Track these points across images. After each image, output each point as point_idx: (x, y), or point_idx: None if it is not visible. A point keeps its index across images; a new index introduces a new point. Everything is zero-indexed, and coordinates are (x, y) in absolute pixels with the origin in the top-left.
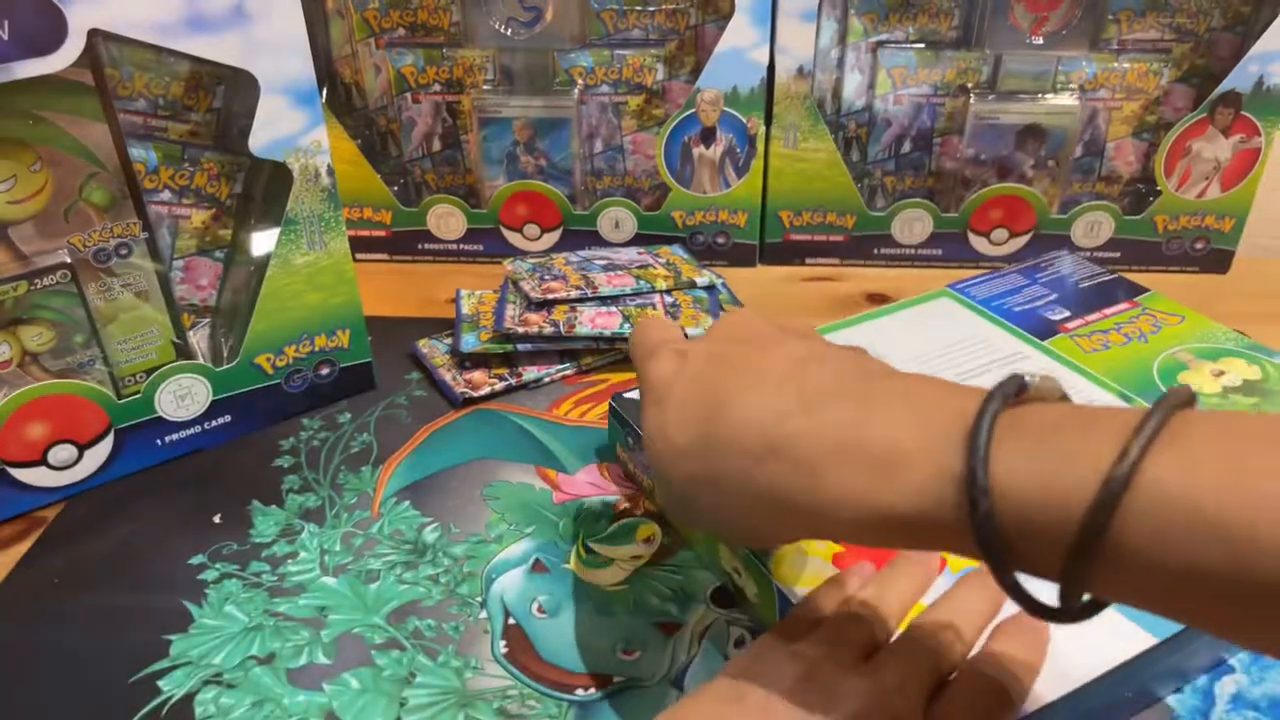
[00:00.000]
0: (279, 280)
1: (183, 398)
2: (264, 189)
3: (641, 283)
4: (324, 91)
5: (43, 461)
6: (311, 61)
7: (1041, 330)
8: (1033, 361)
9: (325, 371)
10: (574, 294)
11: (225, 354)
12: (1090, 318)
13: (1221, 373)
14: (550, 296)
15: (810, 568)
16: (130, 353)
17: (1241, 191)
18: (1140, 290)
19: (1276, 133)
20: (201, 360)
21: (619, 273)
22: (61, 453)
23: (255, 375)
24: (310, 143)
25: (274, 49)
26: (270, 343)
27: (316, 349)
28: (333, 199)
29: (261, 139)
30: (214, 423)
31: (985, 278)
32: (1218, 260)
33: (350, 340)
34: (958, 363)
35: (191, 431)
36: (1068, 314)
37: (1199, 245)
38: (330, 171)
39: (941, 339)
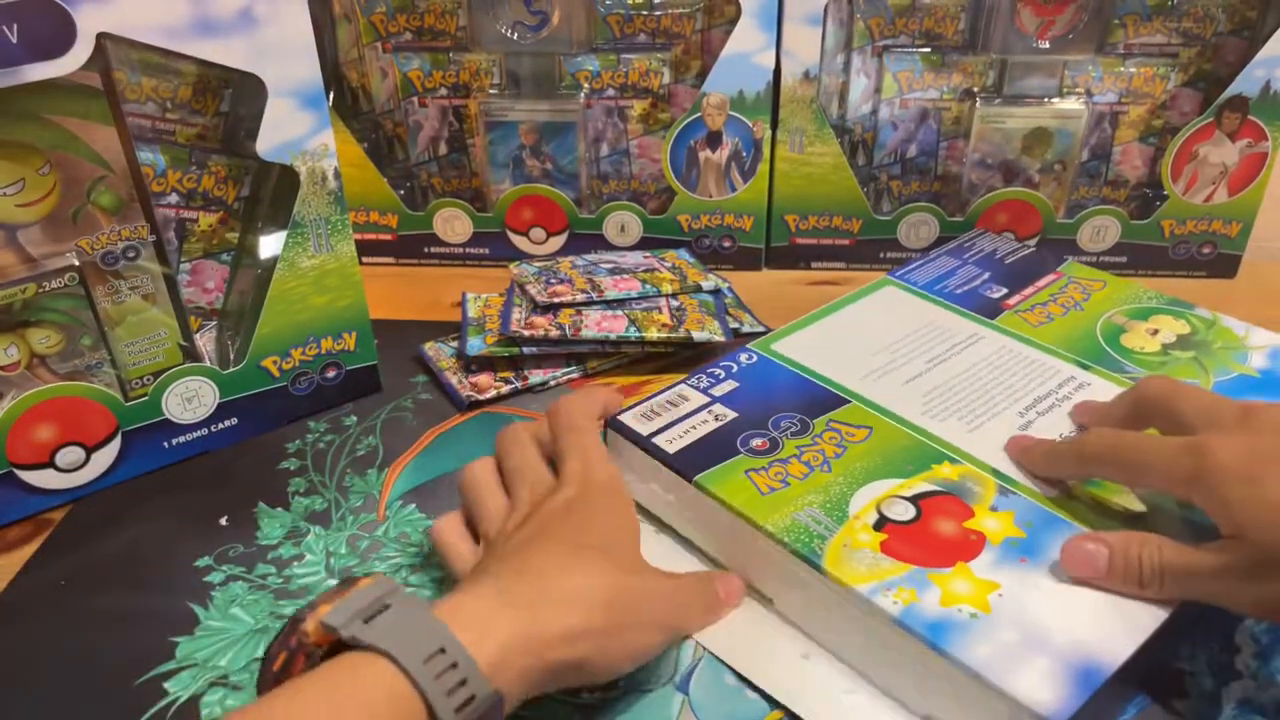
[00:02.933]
0: (286, 283)
1: (189, 400)
2: (271, 192)
3: (647, 286)
4: (331, 95)
5: (50, 464)
6: (319, 65)
7: (987, 309)
8: (988, 343)
9: (331, 374)
10: (580, 297)
11: (232, 357)
12: (1026, 292)
13: (1156, 331)
14: (556, 300)
15: (863, 562)
16: (137, 355)
17: (1248, 196)
18: (1059, 260)
19: None
20: (208, 363)
21: (625, 276)
22: (69, 455)
23: (262, 378)
24: (317, 146)
25: (281, 52)
26: (277, 345)
27: (323, 352)
28: (339, 202)
29: (269, 142)
30: (220, 425)
31: (919, 263)
32: (1225, 265)
33: (356, 343)
34: (925, 349)
35: (198, 434)
36: (1005, 291)
37: (1206, 250)
38: (337, 175)
39: (900, 328)
